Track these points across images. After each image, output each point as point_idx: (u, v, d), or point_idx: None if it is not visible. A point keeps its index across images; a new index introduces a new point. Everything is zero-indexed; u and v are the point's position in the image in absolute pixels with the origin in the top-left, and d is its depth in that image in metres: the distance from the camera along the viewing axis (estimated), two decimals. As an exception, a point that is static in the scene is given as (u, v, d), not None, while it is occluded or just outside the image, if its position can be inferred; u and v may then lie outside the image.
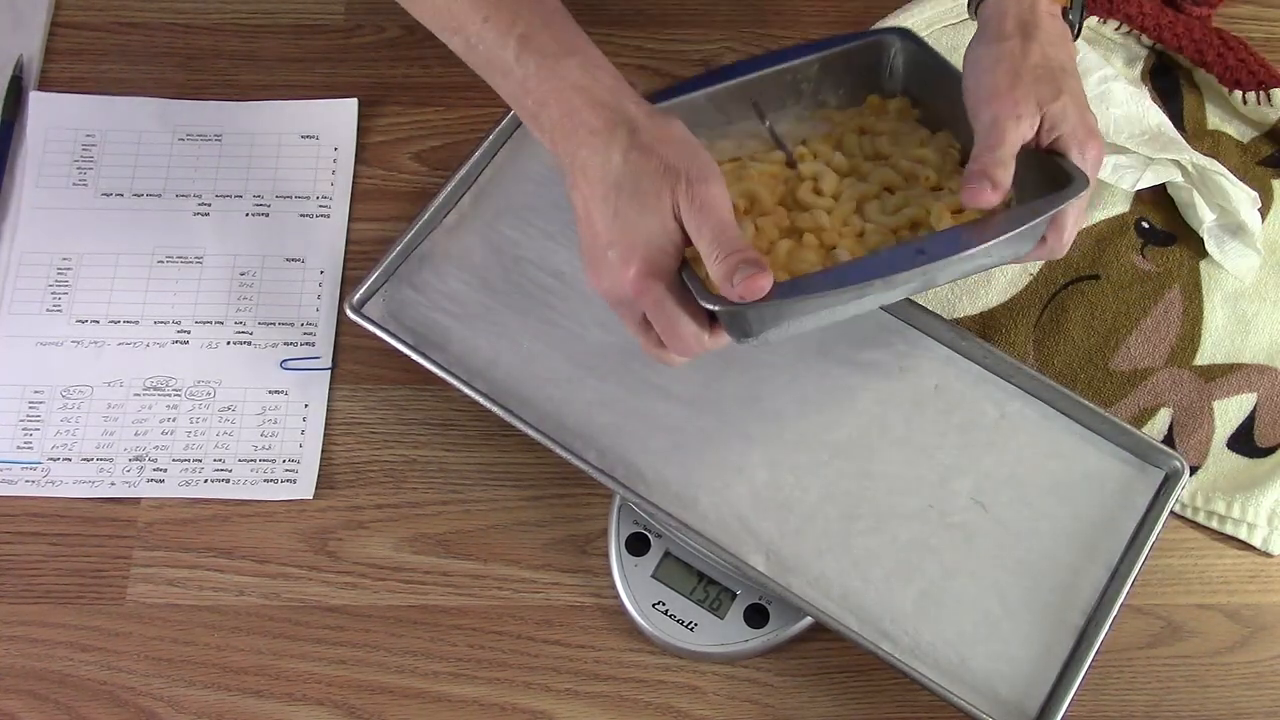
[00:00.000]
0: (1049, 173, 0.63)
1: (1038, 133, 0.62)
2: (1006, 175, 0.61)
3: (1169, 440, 0.73)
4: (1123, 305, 0.77)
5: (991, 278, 0.77)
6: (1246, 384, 0.75)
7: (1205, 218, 0.77)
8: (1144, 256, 0.78)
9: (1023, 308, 0.76)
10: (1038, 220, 0.61)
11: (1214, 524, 0.72)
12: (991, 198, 0.60)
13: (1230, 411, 0.74)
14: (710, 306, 0.58)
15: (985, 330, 0.75)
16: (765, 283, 0.56)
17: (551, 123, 0.60)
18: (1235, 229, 0.77)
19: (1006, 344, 0.75)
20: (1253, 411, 0.74)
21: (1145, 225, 0.79)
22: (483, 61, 0.62)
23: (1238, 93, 0.81)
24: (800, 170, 0.67)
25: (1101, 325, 0.76)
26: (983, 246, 0.60)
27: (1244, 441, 0.74)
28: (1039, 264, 0.77)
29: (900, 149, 0.69)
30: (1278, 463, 0.73)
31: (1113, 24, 0.84)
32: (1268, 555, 0.72)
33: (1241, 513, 0.72)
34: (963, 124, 0.64)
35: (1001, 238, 0.60)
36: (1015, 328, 0.76)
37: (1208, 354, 0.76)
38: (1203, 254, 0.78)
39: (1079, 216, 0.65)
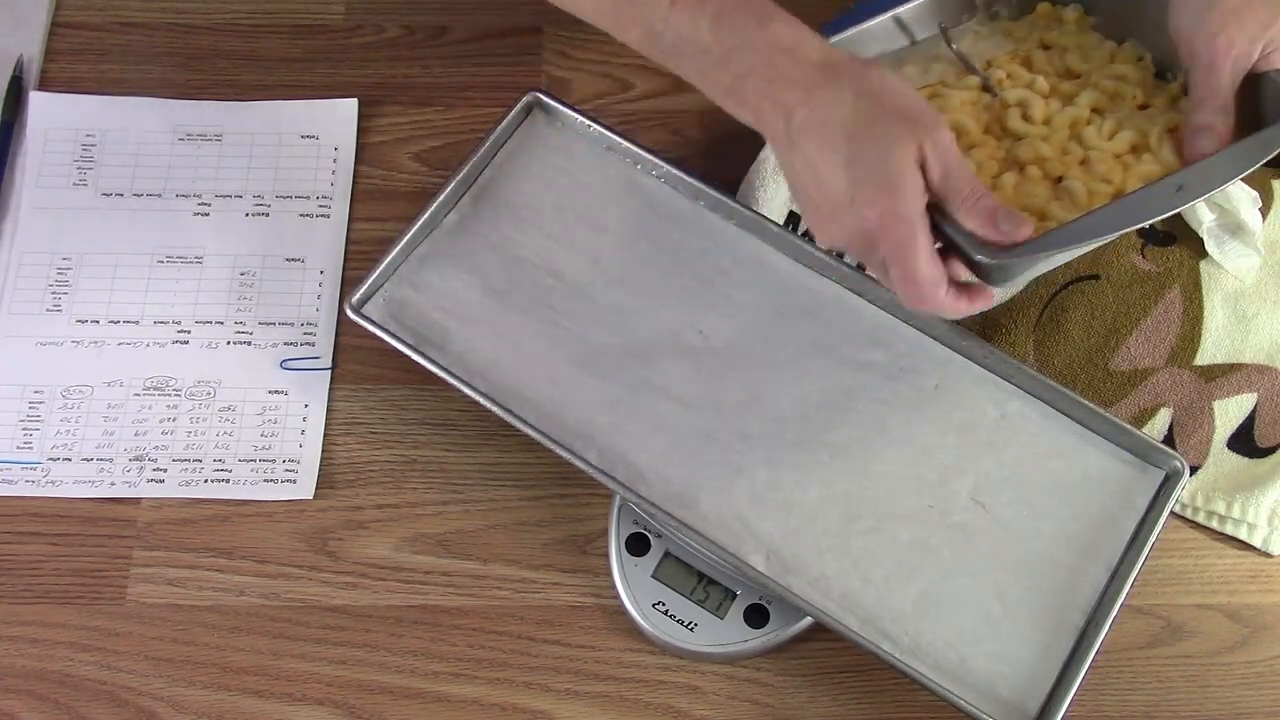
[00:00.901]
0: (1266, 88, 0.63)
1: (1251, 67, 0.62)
2: (1229, 122, 0.62)
3: (1169, 440, 0.73)
4: (1123, 305, 0.77)
5: None
6: (1247, 384, 0.75)
7: (1204, 218, 0.77)
8: (1144, 256, 0.78)
9: (1022, 308, 0.76)
10: (1275, 150, 0.62)
11: (1214, 524, 0.72)
12: (1219, 149, 0.62)
13: (1230, 411, 0.74)
14: (982, 259, 0.58)
15: (985, 331, 0.75)
16: (1028, 229, 0.57)
17: (757, 91, 0.59)
18: (1235, 229, 0.77)
19: (1007, 344, 0.75)
20: (1253, 411, 0.74)
21: (1145, 225, 0.79)
22: (668, 46, 0.61)
23: None
24: (1004, 97, 0.67)
25: (1101, 325, 0.76)
26: (1235, 178, 0.62)
27: (1244, 441, 0.74)
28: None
29: (1092, 64, 0.69)
30: (1278, 463, 0.73)
31: None
32: (1268, 555, 0.72)
33: (1242, 513, 0.72)
34: (1145, 28, 0.65)
35: (1247, 170, 0.62)
36: (1015, 328, 0.76)
37: (1208, 354, 0.76)
38: (1202, 254, 0.78)
39: None
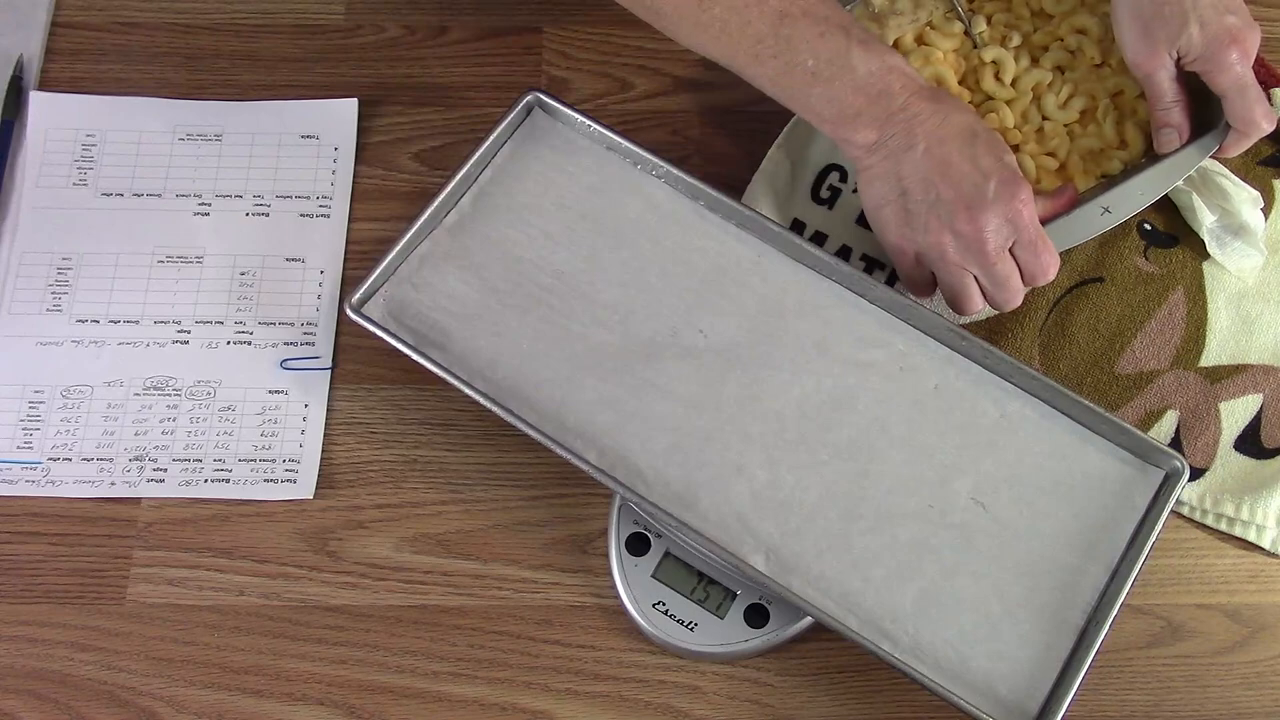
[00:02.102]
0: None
1: (1179, 67, 0.72)
2: (1182, 113, 0.73)
3: (1175, 443, 0.73)
4: (1127, 308, 0.77)
5: None
6: (1252, 385, 0.75)
7: (1206, 219, 0.76)
8: (1147, 258, 0.78)
9: (1028, 312, 0.76)
10: (1191, 170, 0.74)
11: (1223, 526, 0.72)
12: (1182, 141, 0.74)
13: (1237, 413, 0.74)
14: None
15: (991, 336, 0.75)
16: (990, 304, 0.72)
17: (889, 110, 0.68)
18: (1237, 229, 0.77)
19: (1013, 349, 0.75)
20: (1259, 412, 0.74)
21: (1147, 227, 0.79)
22: (806, 77, 0.68)
23: None
24: (982, 54, 0.77)
25: (1106, 329, 0.76)
26: (1155, 198, 0.74)
27: (1251, 443, 0.74)
28: None
29: (1064, 7, 0.79)
30: None
31: None
32: (1273, 556, 0.72)
33: (1250, 514, 0.72)
34: None
35: (1165, 190, 0.74)
36: (1021, 332, 0.76)
37: (1213, 355, 0.76)
38: (1205, 255, 0.78)
39: (1249, 113, 0.72)
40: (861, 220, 0.78)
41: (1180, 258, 0.78)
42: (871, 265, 0.78)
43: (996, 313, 0.76)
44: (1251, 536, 0.72)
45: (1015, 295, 0.70)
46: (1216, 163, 0.77)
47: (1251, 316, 0.77)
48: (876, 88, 0.68)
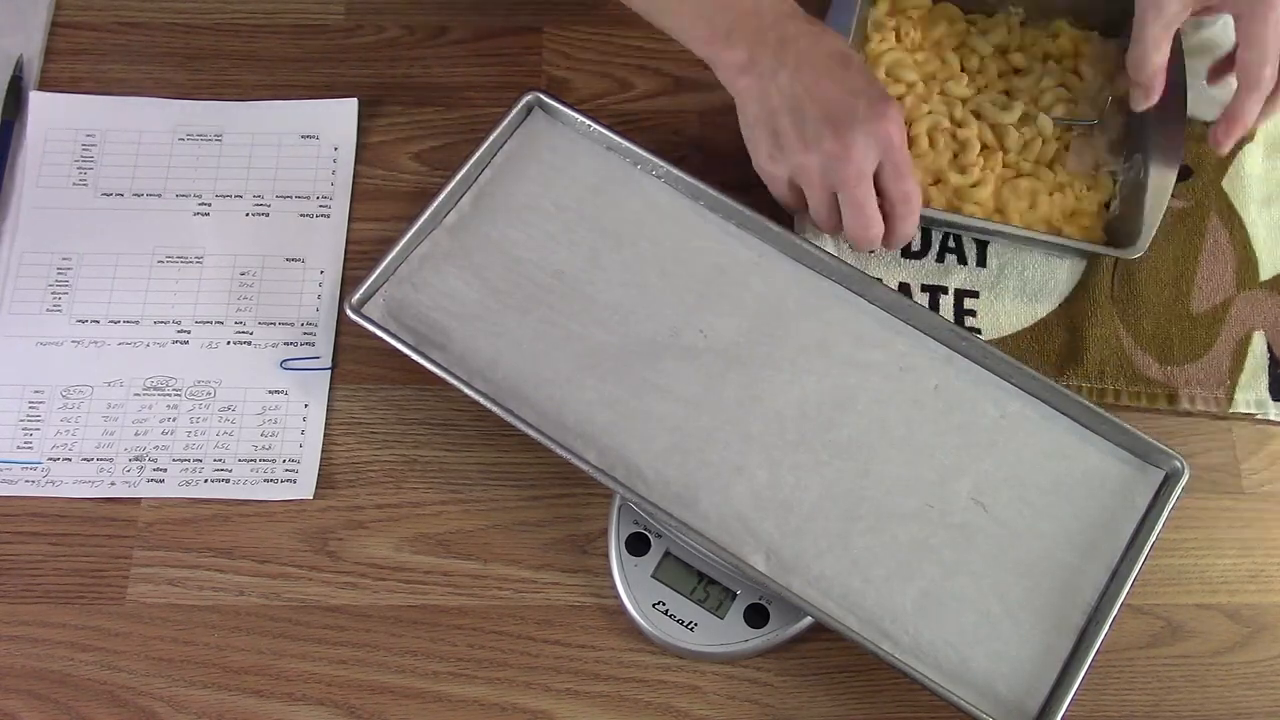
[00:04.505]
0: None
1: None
2: (1157, 80, 0.74)
3: (1274, 362, 0.76)
4: (1177, 249, 0.79)
5: (1053, 268, 0.78)
6: None
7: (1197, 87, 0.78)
8: (1174, 195, 0.78)
9: (1096, 284, 0.77)
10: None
11: None
12: (1147, 107, 0.75)
13: None
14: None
15: (1074, 323, 0.77)
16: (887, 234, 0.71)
17: (758, 28, 0.69)
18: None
19: (1098, 325, 0.76)
20: None
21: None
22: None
23: None
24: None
25: (1168, 275, 0.78)
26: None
27: None
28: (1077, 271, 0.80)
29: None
30: None
31: None
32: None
33: None
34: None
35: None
36: (1098, 306, 0.77)
37: (1268, 268, 0.78)
38: (1222, 174, 0.80)
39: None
40: None
41: (1202, 186, 0.80)
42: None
43: (1065, 298, 0.77)
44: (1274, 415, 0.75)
45: (869, 224, 0.70)
46: None
47: (1277, 218, 0.80)
48: (746, 5, 0.69)
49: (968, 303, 0.77)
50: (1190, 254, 0.79)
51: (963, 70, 0.81)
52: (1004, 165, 0.79)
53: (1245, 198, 0.80)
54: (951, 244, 0.79)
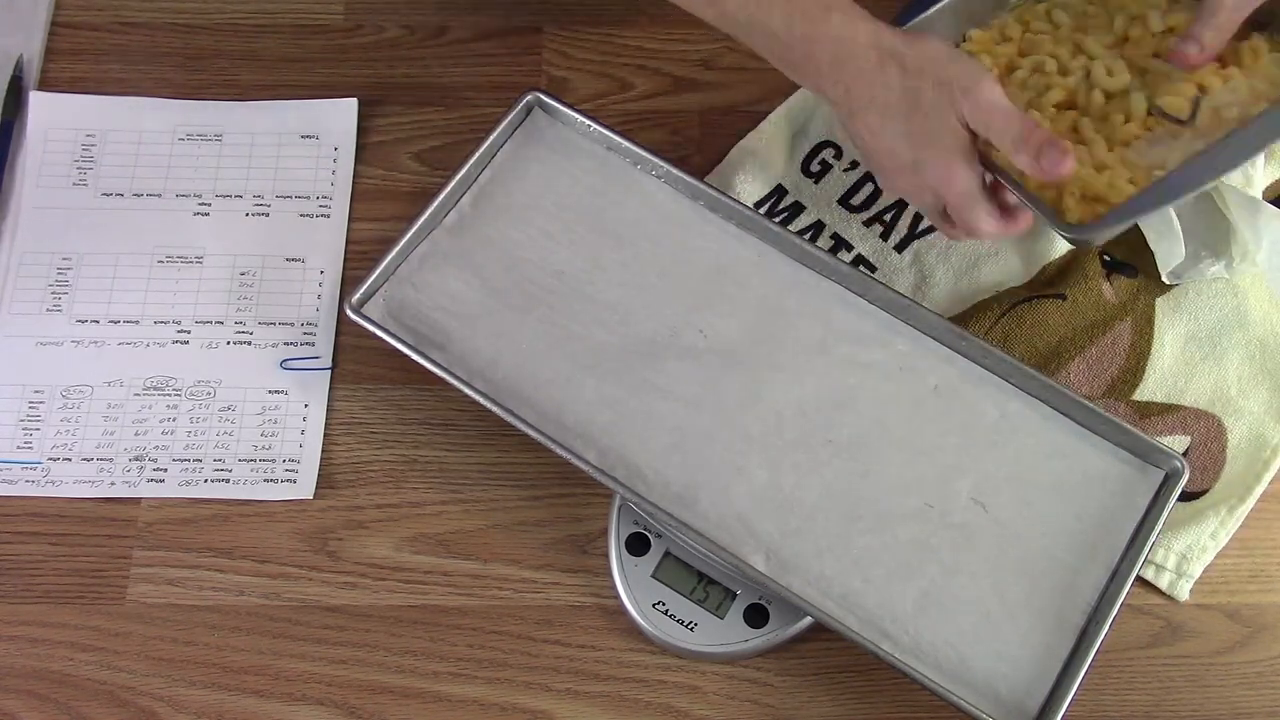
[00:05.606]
0: None
1: None
2: (1217, 39, 0.67)
3: None
4: (1070, 331, 0.75)
5: (979, 268, 0.77)
6: (1181, 426, 0.74)
7: (1252, 247, 0.73)
8: (1110, 284, 0.76)
9: (984, 312, 0.75)
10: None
11: None
12: (1196, 60, 0.67)
13: None
14: (1067, 235, 0.66)
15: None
16: (1070, 162, 0.62)
17: (818, 73, 0.67)
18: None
19: None
20: (1184, 454, 0.70)
21: (1106, 258, 0.77)
22: (741, 26, 0.69)
23: None
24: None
25: (1045, 346, 0.75)
26: (1261, 153, 0.71)
27: None
28: (1016, 276, 0.78)
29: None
30: (1199, 509, 0.72)
31: None
32: (1170, 599, 0.71)
33: (1151, 554, 0.69)
34: None
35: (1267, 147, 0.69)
36: (974, 330, 0.74)
37: (1148, 391, 0.74)
38: (1162, 290, 0.76)
39: None
40: (843, 200, 0.79)
41: (1138, 289, 0.76)
42: (839, 245, 0.78)
43: (964, 309, 0.77)
44: (1149, 575, 0.71)
45: (1004, 229, 0.68)
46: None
47: (1195, 360, 0.75)
48: (800, 52, 0.67)
49: None
50: (1081, 341, 0.74)
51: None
52: (1071, 126, 0.70)
53: (1169, 323, 0.75)
54: None
